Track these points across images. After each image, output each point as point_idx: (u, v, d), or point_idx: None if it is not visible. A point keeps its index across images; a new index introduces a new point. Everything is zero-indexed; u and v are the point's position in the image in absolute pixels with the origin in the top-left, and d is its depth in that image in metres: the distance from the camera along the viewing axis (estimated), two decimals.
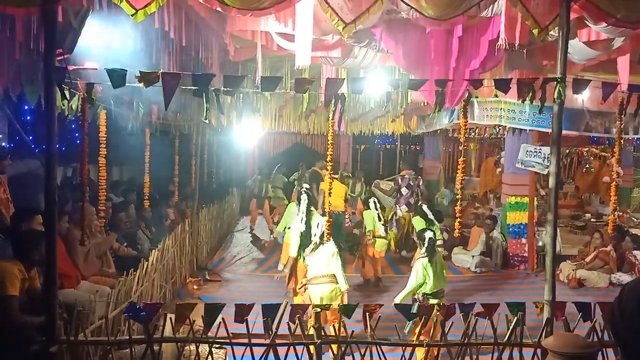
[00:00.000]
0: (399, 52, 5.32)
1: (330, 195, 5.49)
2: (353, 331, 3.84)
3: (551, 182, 3.95)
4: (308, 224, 6.33)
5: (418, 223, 7.72)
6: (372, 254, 8.05)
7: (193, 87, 3.80)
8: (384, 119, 13.28)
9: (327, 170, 5.29)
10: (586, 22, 4.39)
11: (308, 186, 7.10)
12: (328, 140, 5.32)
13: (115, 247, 6.58)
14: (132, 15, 3.39)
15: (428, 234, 5.34)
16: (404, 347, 3.87)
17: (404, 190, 9.62)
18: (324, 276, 5.38)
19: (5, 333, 3.73)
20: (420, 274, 5.17)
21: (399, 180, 9.76)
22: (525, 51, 5.26)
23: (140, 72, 3.60)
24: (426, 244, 5.26)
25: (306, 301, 5.39)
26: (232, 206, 13.49)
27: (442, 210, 11.00)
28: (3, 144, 6.87)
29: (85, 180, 5.00)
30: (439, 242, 6.46)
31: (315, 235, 5.53)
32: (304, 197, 6.40)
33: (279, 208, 12.26)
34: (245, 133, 11.83)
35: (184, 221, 8.12)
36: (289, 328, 3.81)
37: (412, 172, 9.92)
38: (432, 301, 5.08)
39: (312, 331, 3.87)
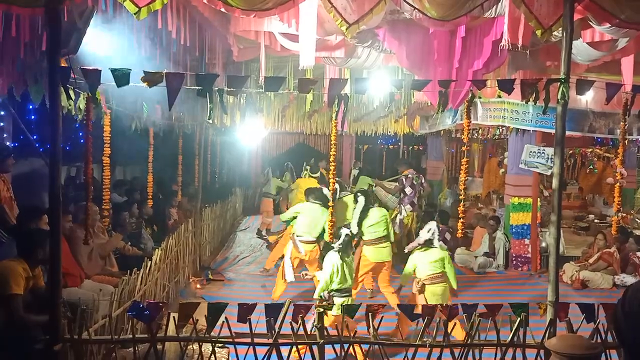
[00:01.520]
0: (402, 52, 5.32)
1: (335, 196, 5.52)
2: (356, 331, 3.84)
3: (555, 183, 3.94)
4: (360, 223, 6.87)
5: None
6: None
7: (197, 87, 3.81)
8: (387, 119, 13.26)
9: (330, 170, 5.31)
10: (590, 22, 4.38)
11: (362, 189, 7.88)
12: (331, 141, 5.34)
13: (119, 246, 6.60)
14: (134, 14, 3.38)
15: (344, 231, 5.39)
16: (406, 348, 3.87)
17: (407, 190, 9.62)
18: (437, 276, 5.67)
19: (9, 331, 3.75)
20: (330, 269, 5.28)
21: (403, 180, 9.76)
22: (528, 52, 5.25)
23: (144, 72, 3.62)
24: (342, 240, 5.28)
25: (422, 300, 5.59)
26: (235, 206, 13.50)
27: (446, 210, 11.00)
28: (7, 143, 6.89)
29: (89, 180, 5.02)
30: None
31: (426, 239, 5.79)
32: (361, 199, 6.97)
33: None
34: (249, 133, 11.84)
35: (187, 221, 8.13)
36: (292, 328, 3.81)
37: (413, 171, 9.93)
38: (337, 299, 5.20)
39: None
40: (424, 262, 5.73)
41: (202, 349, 3.76)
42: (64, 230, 5.26)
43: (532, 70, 5.93)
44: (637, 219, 11.43)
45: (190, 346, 3.91)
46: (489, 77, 5.60)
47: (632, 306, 1.42)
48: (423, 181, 9.94)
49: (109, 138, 6.27)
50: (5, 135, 6.96)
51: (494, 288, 8.12)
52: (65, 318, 3.63)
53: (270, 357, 3.72)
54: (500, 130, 10.76)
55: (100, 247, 6.01)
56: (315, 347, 3.78)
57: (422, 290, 5.63)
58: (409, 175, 9.71)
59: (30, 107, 7.35)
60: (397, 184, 9.95)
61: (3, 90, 4.84)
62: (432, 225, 5.89)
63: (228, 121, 11.07)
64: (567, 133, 4.18)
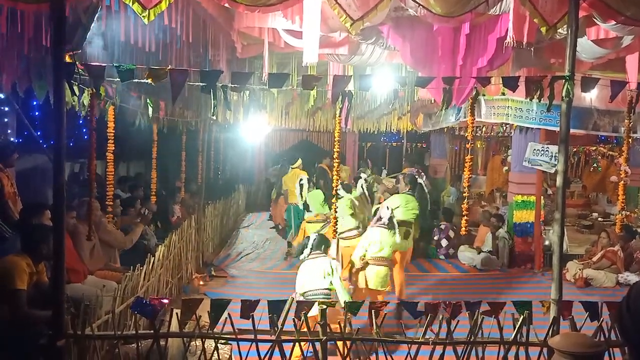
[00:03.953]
0: (406, 49, 5.31)
1: (337, 195, 5.50)
2: (359, 329, 3.84)
3: (559, 180, 3.93)
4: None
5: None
6: None
7: (201, 84, 3.81)
8: (390, 117, 13.25)
9: (335, 166, 5.30)
10: (595, 20, 4.36)
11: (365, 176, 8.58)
12: (335, 137, 5.33)
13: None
14: (143, 16, 3.39)
15: (313, 236, 5.31)
16: (409, 345, 3.86)
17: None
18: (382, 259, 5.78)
19: (13, 327, 3.77)
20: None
21: (400, 178, 9.74)
22: (533, 49, 5.23)
23: (149, 68, 3.62)
24: (310, 245, 5.24)
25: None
26: (238, 203, 13.51)
27: (449, 208, 10.98)
28: (11, 138, 6.91)
29: (93, 176, 5.03)
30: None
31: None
32: (360, 181, 8.04)
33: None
34: (252, 130, 11.84)
35: (190, 217, 8.14)
36: (295, 324, 3.81)
37: (414, 169, 9.92)
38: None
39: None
40: (375, 240, 5.77)
41: (205, 345, 3.76)
42: (68, 226, 5.28)
43: (536, 67, 5.91)
44: None
45: (193, 342, 3.92)
46: (493, 74, 5.59)
47: (636, 304, 1.42)
48: (425, 179, 9.89)
49: (112, 134, 6.27)
50: (9, 131, 6.98)
51: (497, 286, 8.11)
52: (69, 314, 3.64)
53: (273, 353, 3.73)
54: (504, 127, 10.73)
55: (127, 240, 6.34)
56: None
57: (363, 268, 5.69)
58: (407, 174, 9.69)
59: (34, 103, 7.37)
60: (395, 182, 9.95)
61: (7, 87, 4.85)
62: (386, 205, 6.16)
63: (231, 118, 11.08)
64: (571, 131, 4.16)
